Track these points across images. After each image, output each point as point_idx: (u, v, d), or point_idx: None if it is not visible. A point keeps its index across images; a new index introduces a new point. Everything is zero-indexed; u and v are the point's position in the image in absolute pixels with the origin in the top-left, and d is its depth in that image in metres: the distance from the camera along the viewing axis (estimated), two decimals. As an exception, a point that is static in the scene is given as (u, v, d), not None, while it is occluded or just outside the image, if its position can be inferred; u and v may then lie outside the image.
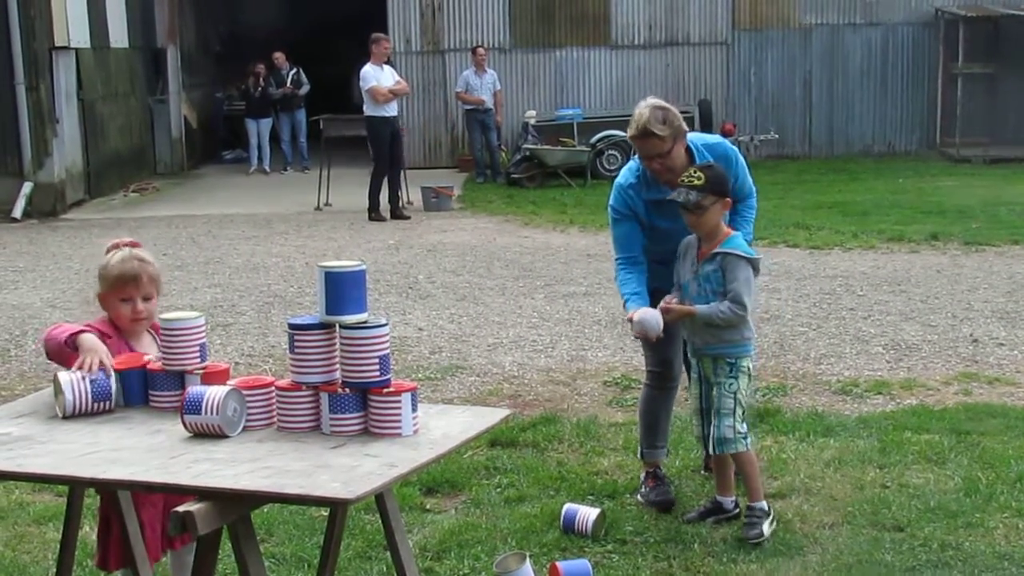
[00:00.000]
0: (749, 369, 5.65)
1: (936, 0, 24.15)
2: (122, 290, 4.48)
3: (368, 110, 16.86)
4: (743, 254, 5.50)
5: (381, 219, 16.78)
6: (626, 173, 5.84)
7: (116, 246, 4.60)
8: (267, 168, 23.75)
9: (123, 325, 4.48)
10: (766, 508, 5.59)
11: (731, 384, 5.57)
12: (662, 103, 5.66)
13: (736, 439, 5.53)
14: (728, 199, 5.52)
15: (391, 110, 16.96)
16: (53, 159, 18.30)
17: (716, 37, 24.22)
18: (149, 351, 4.44)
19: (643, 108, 5.62)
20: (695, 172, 5.38)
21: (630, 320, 5.62)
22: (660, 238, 5.78)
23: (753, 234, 6.04)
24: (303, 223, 16.76)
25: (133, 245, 4.61)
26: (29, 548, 5.67)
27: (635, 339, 5.94)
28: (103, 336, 4.33)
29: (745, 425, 5.58)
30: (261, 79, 23.63)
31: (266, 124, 23.72)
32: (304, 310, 10.22)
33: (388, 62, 17.71)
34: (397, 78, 17.37)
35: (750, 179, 5.98)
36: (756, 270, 5.58)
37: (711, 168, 5.48)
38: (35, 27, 17.87)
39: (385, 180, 16.94)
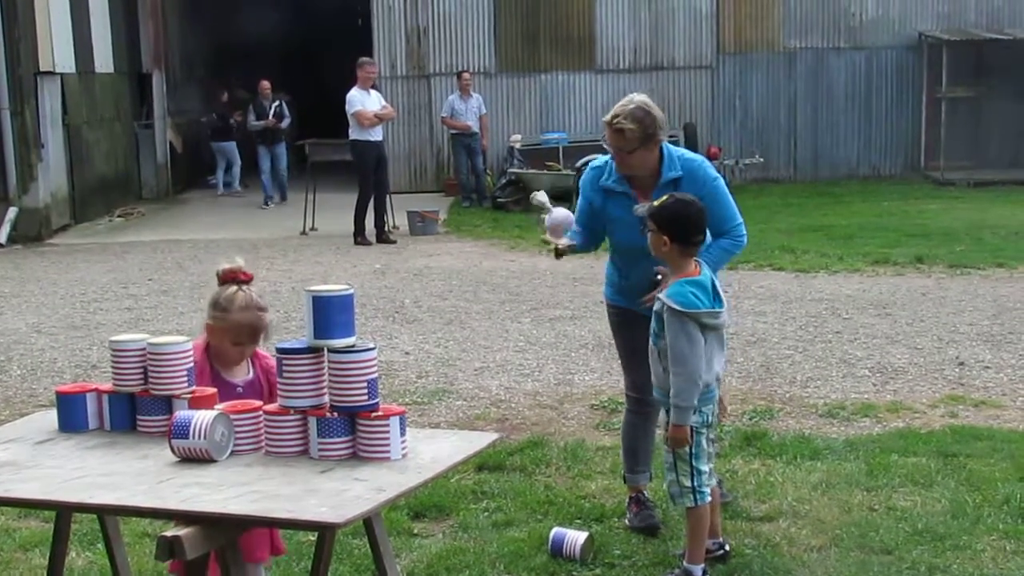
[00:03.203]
0: (694, 425, 5.21)
1: (919, 24, 24.29)
2: (237, 337, 4.46)
3: (353, 134, 16.86)
4: (676, 307, 5.07)
5: (367, 243, 16.78)
6: (600, 157, 5.97)
7: (233, 276, 4.50)
8: (238, 187, 23.79)
9: (225, 358, 4.49)
10: (698, 575, 5.26)
11: (667, 436, 5.25)
12: (649, 105, 5.65)
13: (683, 494, 5.26)
14: (665, 237, 5.13)
15: (376, 135, 16.95)
16: (38, 184, 18.27)
17: (701, 61, 24.32)
18: (236, 377, 4.51)
19: (627, 100, 5.67)
20: (665, 198, 5.25)
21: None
22: (619, 229, 5.83)
23: (719, 268, 5.62)
24: (289, 248, 16.75)
25: (248, 279, 4.52)
26: (15, 574, 5.64)
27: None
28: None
29: (696, 479, 5.23)
30: (222, 102, 23.66)
31: (230, 147, 23.76)
32: (290, 335, 10.20)
33: (375, 87, 17.73)
34: (383, 103, 17.38)
35: (735, 216, 5.72)
36: (704, 325, 5.10)
37: (676, 201, 5.21)
38: (20, 52, 17.86)
39: (371, 205, 16.96)
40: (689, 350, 5.09)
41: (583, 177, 5.98)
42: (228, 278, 4.52)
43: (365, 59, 17.55)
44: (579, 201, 5.99)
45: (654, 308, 5.24)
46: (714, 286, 5.22)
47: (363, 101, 16.82)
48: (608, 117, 5.64)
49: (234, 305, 4.44)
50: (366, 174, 16.92)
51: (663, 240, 5.16)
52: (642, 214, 5.32)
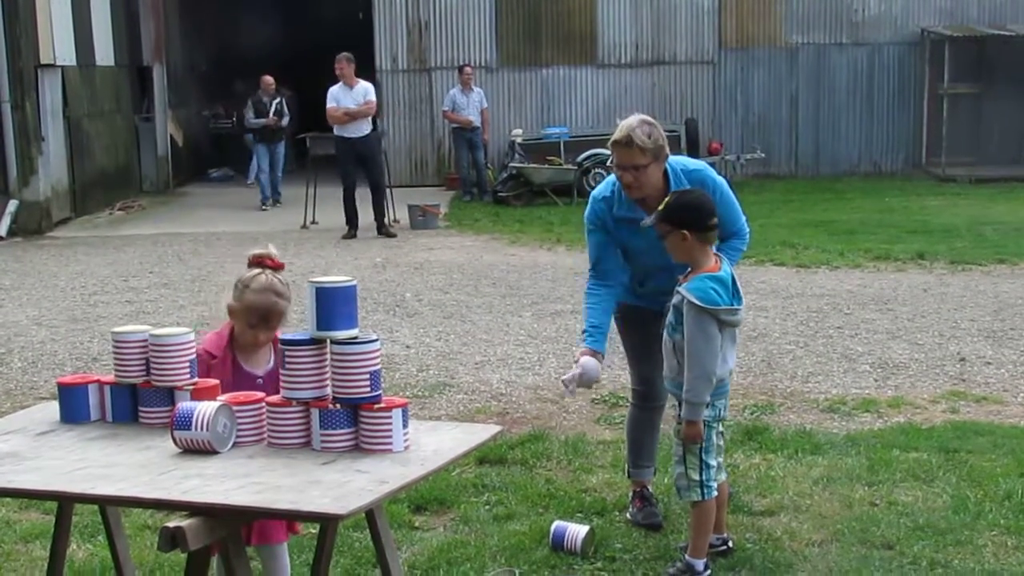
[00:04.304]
0: (706, 419, 5.21)
1: (922, 20, 24.26)
2: (249, 318, 4.51)
3: (334, 130, 16.85)
4: (697, 302, 5.06)
5: (351, 236, 16.76)
6: (602, 186, 5.79)
7: (260, 261, 4.58)
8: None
9: (243, 343, 4.55)
10: (700, 569, 5.23)
11: (680, 430, 5.23)
12: (653, 121, 5.62)
13: (690, 487, 5.25)
14: (685, 232, 5.11)
15: (352, 131, 16.69)
16: (39, 177, 18.26)
17: (702, 56, 24.29)
18: (257, 368, 4.56)
19: (632, 119, 5.58)
20: (668, 198, 5.24)
21: (576, 360, 5.61)
22: (636, 255, 5.74)
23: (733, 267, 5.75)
24: (289, 241, 16.71)
25: (275, 266, 4.59)
26: (16, 567, 5.63)
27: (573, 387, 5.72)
28: (209, 356, 4.43)
29: (705, 473, 5.22)
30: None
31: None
32: (290, 328, 10.18)
33: (372, 80, 17.63)
34: (368, 98, 16.84)
35: (740, 217, 5.71)
36: (722, 321, 5.11)
37: (680, 195, 5.25)
38: (20, 45, 17.84)
39: (368, 200, 16.92)
40: (705, 347, 5.07)
41: (589, 213, 5.75)
42: (256, 262, 4.59)
43: (340, 54, 17.25)
44: (593, 239, 5.76)
45: (672, 301, 5.22)
46: (734, 282, 5.21)
47: (337, 98, 16.66)
48: (619, 136, 5.50)
49: (251, 286, 4.52)
50: (343, 169, 16.89)
51: (683, 235, 5.12)
52: (650, 223, 5.27)
